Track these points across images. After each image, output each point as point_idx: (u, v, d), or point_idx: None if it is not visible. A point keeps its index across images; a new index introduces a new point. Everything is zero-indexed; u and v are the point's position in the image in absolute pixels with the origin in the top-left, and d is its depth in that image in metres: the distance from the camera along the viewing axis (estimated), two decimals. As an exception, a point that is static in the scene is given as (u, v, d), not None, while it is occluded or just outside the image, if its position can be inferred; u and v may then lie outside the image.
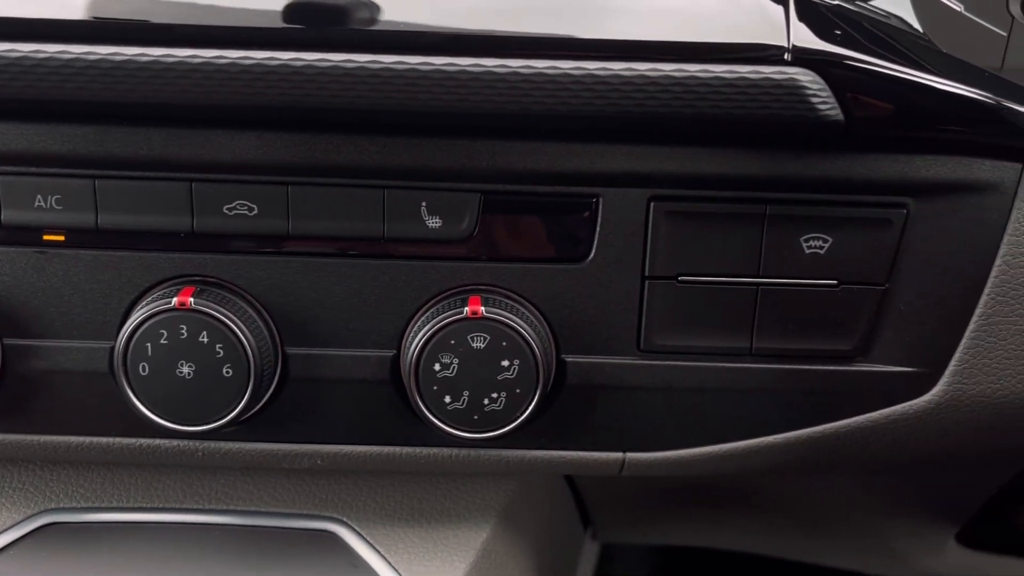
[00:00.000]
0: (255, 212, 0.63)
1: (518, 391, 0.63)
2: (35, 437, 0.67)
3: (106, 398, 0.65)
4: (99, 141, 0.60)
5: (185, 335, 0.61)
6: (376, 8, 0.59)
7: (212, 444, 0.67)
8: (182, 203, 0.62)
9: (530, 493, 0.77)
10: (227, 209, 0.63)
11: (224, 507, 0.73)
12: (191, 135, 0.60)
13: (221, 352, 0.61)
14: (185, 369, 0.62)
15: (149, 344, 0.61)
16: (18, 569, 0.68)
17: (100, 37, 0.56)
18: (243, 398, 0.62)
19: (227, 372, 0.62)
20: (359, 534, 0.71)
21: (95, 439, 0.67)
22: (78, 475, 0.73)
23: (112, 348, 0.64)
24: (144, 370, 0.62)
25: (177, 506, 0.73)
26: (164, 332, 0.61)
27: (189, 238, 0.63)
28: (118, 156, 0.61)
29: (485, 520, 0.73)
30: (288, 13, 0.57)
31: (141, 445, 0.67)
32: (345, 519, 0.72)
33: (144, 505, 0.72)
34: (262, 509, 0.73)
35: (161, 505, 0.73)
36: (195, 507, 0.73)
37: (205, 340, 0.61)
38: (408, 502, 0.73)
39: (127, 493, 0.73)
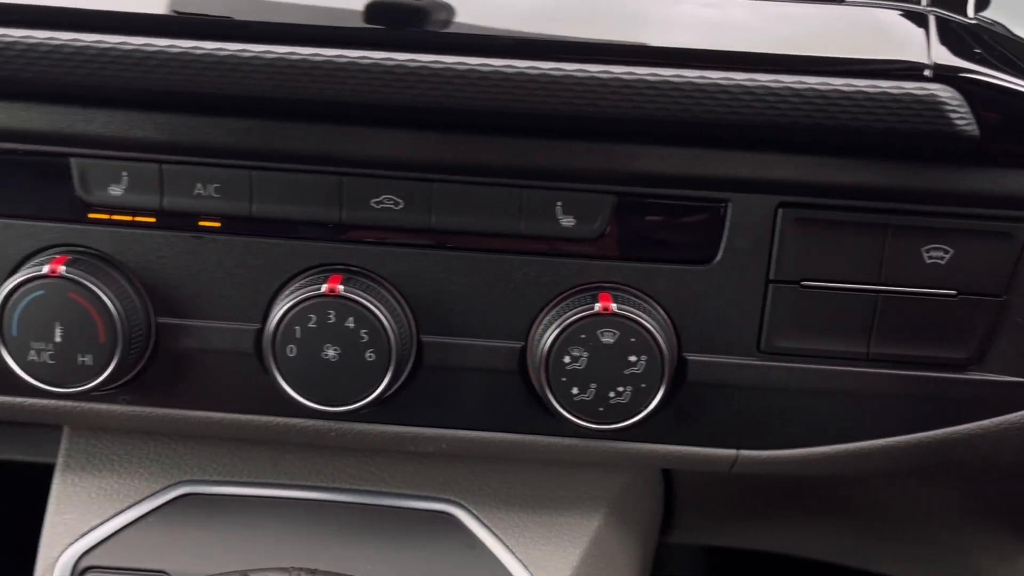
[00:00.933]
0: (401, 206, 0.66)
1: (643, 386, 0.66)
2: (181, 412, 0.71)
3: (250, 377, 0.69)
4: (260, 135, 0.64)
5: (333, 320, 0.65)
6: (526, 15, 0.62)
7: (344, 425, 0.71)
8: (332, 195, 0.66)
9: (636, 486, 0.80)
10: (374, 202, 0.66)
11: (347, 486, 0.76)
12: (346, 132, 0.64)
13: (365, 337, 0.65)
14: (330, 352, 0.65)
15: (298, 327, 0.65)
16: (157, 536, 0.72)
17: (269, 37, 0.59)
18: (383, 382, 0.66)
19: (370, 356, 0.65)
20: (476, 517, 0.75)
21: (237, 416, 0.71)
22: (210, 449, 0.77)
23: (259, 330, 0.68)
24: (292, 352, 0.65)
25: (303, 483, 0.76)
26: (313, 316, 0.65)
27: (337, 228, 0.67)
28: (276, 150, 0.65)
29: (596, 510, 0.76)
30: (444, 16, 0.61)
31: (278, 423, 0.71)
32: (462, 502, 0.75)
33: (271, 481, 0.76)
34: (383, 489, 0.76)
35: (287, 481, 0.76)
36: (319, 484, 0.76)
37: (351, 325, 0.65)
38: (522, 488, 0.76)
39: (255, 468, 0.77)
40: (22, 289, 0.64)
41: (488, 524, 0.74)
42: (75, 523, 0.72)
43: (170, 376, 0.70)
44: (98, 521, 0.72)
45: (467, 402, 0.70)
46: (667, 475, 0.90)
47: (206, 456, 0.77)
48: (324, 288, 0.64)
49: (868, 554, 1.12)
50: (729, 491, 0.96)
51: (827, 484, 0.98)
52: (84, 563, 0.70)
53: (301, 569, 0.62)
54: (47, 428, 1.17)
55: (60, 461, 0.76)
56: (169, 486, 0.75)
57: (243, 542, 0.72)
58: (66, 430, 0.79)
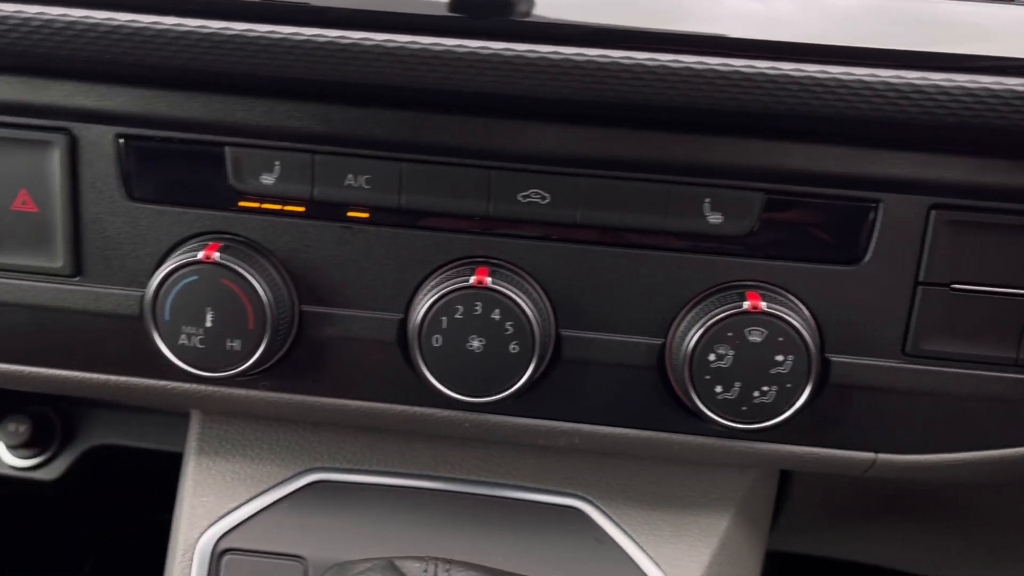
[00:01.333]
0: (547, 200, 0.66)
1: (788, 386, 0.65)
2: (318, 399, 0.72)
3: (390, 366, 0.70)
4: (413, 128, 0.65)
5: (479, 311, 0.65)
6: (685, 11, 0.62)
7: (479, 416, 0.71)
8: (480, 188, 0.66)
9: (759, 487, 0.79)
10: (521, 196, 0.66)
11: (474, 477, 0.77)
12: (496, 126, 0.65)
13: (511, 329, 0.65)
14: (475, 343, 0.66)
15: (445, 318, 0.65)
16: (291, 522, 0.73)
17: (425, 28, 0.60)
18: (525, 374, 0.66)
19: (513, 348, 0.66)
20: (604, 512, 0.75)
21: (374, 404, 0.72)
22: (338, 437, 0.78)
23: (401, 320, 0.69)
24: (437, 342, 0.66)
25: (431, 473, 0.77)
26: (460, 307, 0.65)
27: (483, 221, 0.67)
28: (428, 142, 0.65)
29: (725, 509, 0.76)
30: (598, 9, 0.61)
31: (415, 413, 0.72)
32: (590, 497, 0.76)
33: (399, 470, 0.77)
34: (509, 482, 0.77)
35: (415, 471, 0.77)
36: (447, 475, 0.77)
37: (497, 317, 0.65)
38: (649, 485, 0.76)
39: (384, 457, 0.78)
40: (177, 274, 0.66)
41: (616, 520, 0.74)
42: (212, 506, 0.73)
43: (310, 363, 0.71)
44: (234, 505, 0.73)
45: (603, 397, 0.70)
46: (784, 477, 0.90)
47: (335, 444, 0.78)
48: (472, 280, 0.65)
49: (975, 566, 1.10)
50: (838, 496, 0.95)
51: (936, 492, 0.97)
52: (223, 545, 0.71)
53: (438, 559, 0.63)
54: (160, 415, 1.20)
55: (193, 445, 0.78)
56: (300, 473, 0.76)
57: (375, 530, 0.73)
58: (196, 416, 0.80)
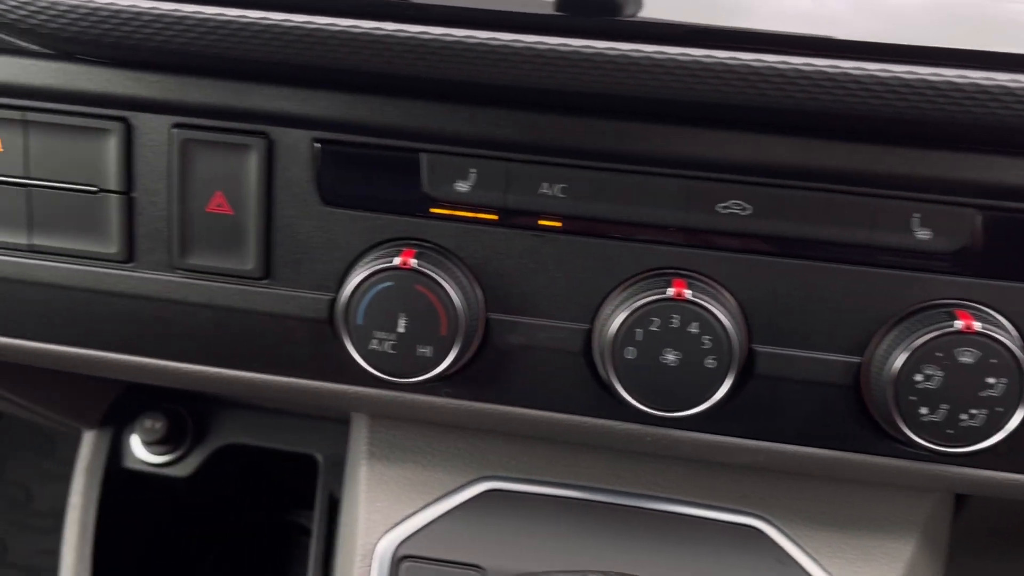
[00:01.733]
0: (748, 212, 0.65)
1: (999, 409, 0.63)
2: (498, 407, 0.72)
3: (574, 377, 0.69)
4: (612, 136, 0.64)
5: (676, 324, 0.64)
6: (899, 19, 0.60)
7: (662, 431, 0.70)
8: (678, 199, 0.65)
9: (940, 510, 0.77)
10: (720, 207, 0.65)
11: (647, 492, 0.76)
12: (698, 135, 0.63)
13: (708, 344, 0.64)
14: (670, 356, 0.65)
15: (640, 330, 0.64)
16: (467, 531, 0.73)
17: (626, 35, 0.59)
18: (720, 390, 0.65)
19: (710, 363, 0.64)
20: (785, 533, 0.73)
21: (554, 415, 0.71)
22: (510, 446, 0.77)
23: (587, 330, 0.68)
24: (631, 354, 0.65)
25: (603, 486, 0.76)
26: (656, 320, 0.64)
27: (680, 232, 0.66)
28: (626, 151, 0.64)
29: (910, 533, 0.73)
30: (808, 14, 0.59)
31: (597, 425, 0.71)
32: (769, 516, 0.74)
33: (572, 482, 0.76)
34: (685, 498, 0.75)
35: (588, 483, 0.76)
36: (620, 488, 0.76)
37: (695, 331, 0.64)
38: (830, 506, 0.74)
39: (555, 467, 0.77)
40: (372, 279, 0.66)
41: (798, 541, 0.73)
42: (388, 512, 0.73)
43: (493, 371, 0.70)
44: (409, 511, 0.73)
45: (794, 416, 0.69)
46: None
47: (506, 452, 0.77)
48: (671, 292, 0.64)
49: None
50: (1010, 522, 0.92)
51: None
52: (401, 551, 0.71)
53: (623, 575, 0.62)
54: (289, 417, 1.22)
55: (363, 450, 0.78)
56: (473, 481, 0.75)
57: (551, 542, 0.72)
58: (363, 420, 0.80)
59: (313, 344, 0.71)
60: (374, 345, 0.67)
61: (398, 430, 0.79)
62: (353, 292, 0.66)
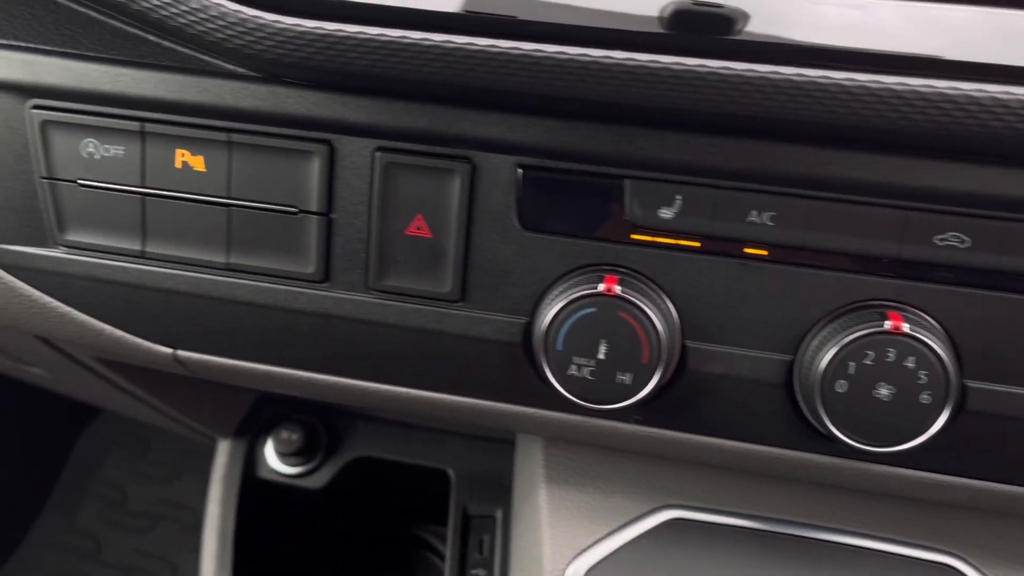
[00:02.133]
0: (967, 245, 0.63)
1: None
2: (687, 436, 0.71)
3: (772, 408, 0.68)
4: (829, 164, 0.63)
5: (892, 358, 0.62)
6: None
7: (863, 466, 0.69)
8: (893, 229, 0.64)
9: None
10: (938, 239, 0.64)
11: (835, 525, 0.74)
12: (919, 165, 0.62)
13: (924, 379, 0.62)
14: (884, 391, 0.63)
15: (853, 363, 0.63)
16: (653, 560, 0.72)
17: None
18: (933, 426, 0.63)
19: (925, 399, 0.63)
20: (982, 573, 0.71)
21: (748, 446, 0.70)
22: (694, 474, 0.76)
23: (790, 361, 0.67)
24: (841, 387, 0.63)
25: (791, 518, 0.75)
26: (871, 353, 0.63)
27: (891, 263, 0.65)
28: (842, 179, 0.63)
29: (1118, 579, 0.71)
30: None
31: (792, 458, 0.70)
32: (965, 555, 0.72)
33: (758, 513, 0.75)
34: (874, 532, 0.74)
35: (775, 515, 0.75)
36: (809, 521, 0.74)
37: (911, 365, 0.62)
38: (1025, 546, 0.72)
39: (741, 498, 0.76)
40: (574, 304, 0.66)
41: (998, 582, 0.71)
42: (573, 538, 0.73)
43: (687, 400, 0.70)
44: (594, 539, 0.73)
45: (1005, 453, 0.67)
46: None
47: (688, 480, 0.76)
48: (888, 326, 0.62)
49: None
50: None
51: None
52: (589, 578, 0.71)
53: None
54: (420, 431, 1.22)
55: (542, 473, 0.77)
56: (656, 509, 0.75)
57: (744, 570, 0.71)
58: (539, 443, 0.80)
59: (504, 367, 0.71)
60: (572, 371, 0.67)
61: (575, 454, 0.78)
62: (554, 317, 0.66)
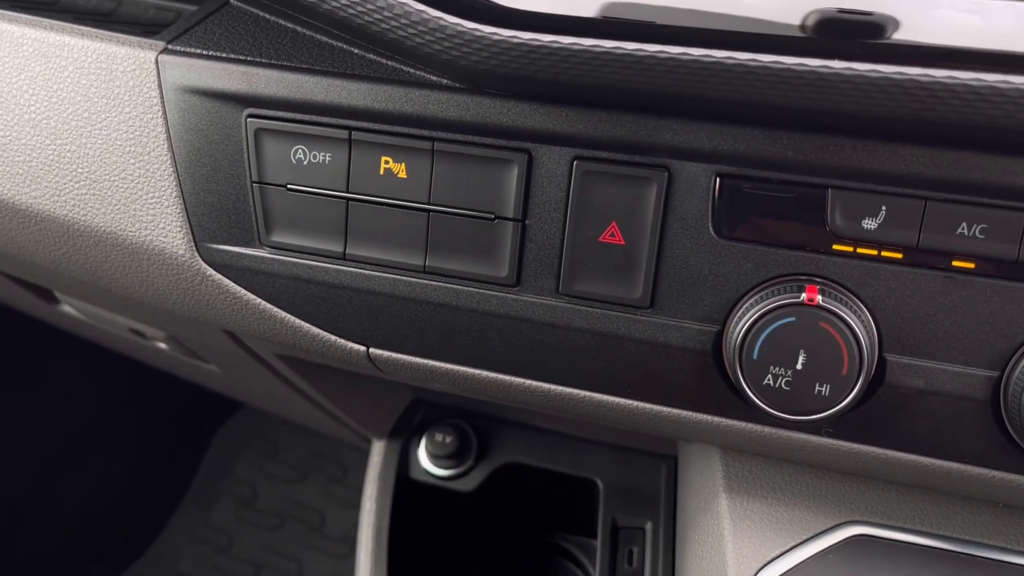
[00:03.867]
0: None
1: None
2: (882, 451, 0.70)
3: (977, 426, 0.66)
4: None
5: (1116, 376, 0.60)
6: None
7: (1070, 489, 0.66)
8: (1115, 245, 0.62)
9: None
10: None
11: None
12: None
13: None
14: (1100, 407, 0.61)
15: (1061, 382, 0.61)
16: (833, 575, 0.71)
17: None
18: None
19: None
20: None
21: (949, 464, 0.68)
22: (879, 491, 0.75)
23: (998, 377, 0.65)
24: (1047, 406, 0.62)
25: (983, 541, 0.72)
26: (1091, 372, 0.61)
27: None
28: None
29: None
30: None
31: (996, 478, 0.68)
32: None
33: (947, 534, 0.73)
34: (1078, 561, 0.71)
35: (965, 537, 0.73)
36: (1001, 545, 0.72)
37: None
38: None
39: (929, 517, 0.74)
40: (774, 313, 0.66)
41: None
42: (757, 549, 0.73)
43: (883, 414, 0.69)
44: (778, 552, 0.72)
45: None
46: None
47: (874, 497, 0.75)
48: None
49: None
50: None
51: None
52: (775, 592, 0.70)
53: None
54: (567, 440, 1.23)
55: (722, 483, 0.77)
56: (841, 524, 0.73)
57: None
58: (717, 453, 0.80)
59: (692, 375, 0.72)
60: (768, 381, 0.67)
61: (755, 465, 0.78)
62: (751, 326, 0.66)
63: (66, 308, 1.25)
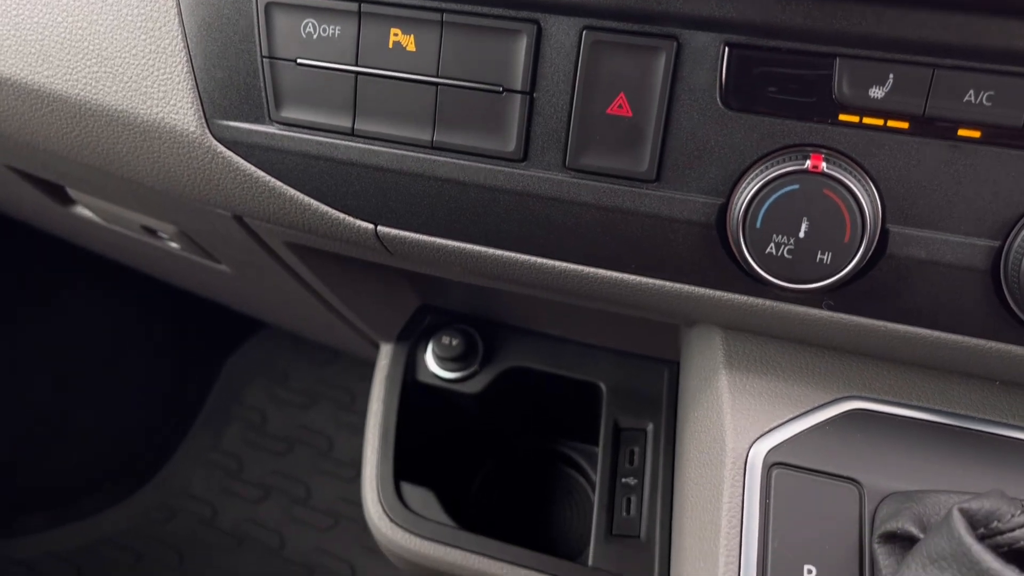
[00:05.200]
0: None
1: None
2: (887, 324, 0.70)
3: (976, 296, 0.67)
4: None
5: None
6: None
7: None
8: (1124, 111, 0.62)
9: None
10: None
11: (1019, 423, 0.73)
12: None
13: None
14: (1104, 272, 0.61)
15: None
16: (838, 446, 0.73)
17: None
18: None
19: None
20: None
21: (948, 335, 0.69)
22: (877, 368, 0.76)
23: (999, 247, 0.66)
24: (1045, 275, 0.62)
25: (975, 415, 0.74)
26: (1089, 237, 0.61)
27: (1119, 148, 0.63)
28: None
29: None
30: None
31: (993, 349, 0.68)
32: None
33: (941, 408, 0.74)
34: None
35: (958, 411, 0.74)
36: (999, 419, 0.73)
37: None
38: None
39: (925, 392, 0.75)
40: (778, 181, 0.66)
41: None
42: (755, 420, 0.74)
43: (883, 285, 0.69)
44: (776, 423, 0.74)
45: None
46: None
47: (873, 374, 0.76)
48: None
49: None
50: None
51: None
52: (772, 458, 0.72)
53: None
54: (573, 346, 1.25)
55: (722, 360, 0.79)
56: (839, 399, 0.75)
57: (927, 465, 0.71)
58: (718, 332, 0.81)
59: (696, 249, 0.73)
60: (770, 249, 0.68)
61: (755, 344, 0.79)
62: (755, 194, 0.67)
63: (80, 210, 1.27)
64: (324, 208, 0.82)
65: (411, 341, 1.28)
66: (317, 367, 2.73)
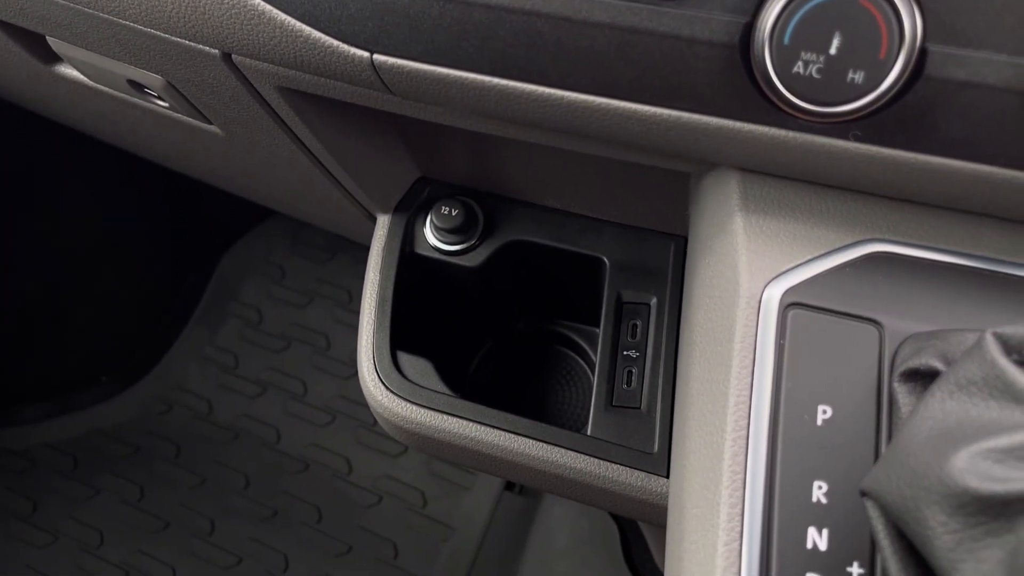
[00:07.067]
0: None
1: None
2: (917, 156, 0.66)
3: (1016, 122, 0.62)
4: None
5: None
6: None
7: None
8: None
9: None
10: None
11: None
12: None
13: None
14: None
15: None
16: (858, 287, 0.69)
17: None
18: None
19: None
20: None
21: (988, 168, 0.65)
22: (906, 213, 0.72)
23: (1047, 68, 0.61)
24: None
25: (1008, 259, 0.70)
26: None
27: None
28: None
29: None
30: None
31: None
32: None
33: (970, 252, 0.70)
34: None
35: (989, 255, 0.70)
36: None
37: None
38: None
39: (952, 237, 0.71)
40: (809, -8, 0.61)
41: None
42: (772, 261, 0.70)
43: (918, 111, 0.64)
44: (793, 264, 0.70)
45: None
46: None
47: (897, 217, 0.72)
48: None
49: None
50: None
51: None
52: (788, 299, 0.68)
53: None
54: (576, 219, 1.20)
55: (737, 203, 0.74)
56: (860, 241, 0.71)
57: (951, 306, 0.67)
58: (734, 176, 0.76)
59: (716, 74, 0.67)
60: (798, 68, 0.63)
61: (772, 187, 0.75)
62: (785, 6, 0.61)
63: (64, 69, 1.21)
64: (316, 34, 0.77)
65: (409, 212, 1.24)
66: (314, 265, 2.70)
